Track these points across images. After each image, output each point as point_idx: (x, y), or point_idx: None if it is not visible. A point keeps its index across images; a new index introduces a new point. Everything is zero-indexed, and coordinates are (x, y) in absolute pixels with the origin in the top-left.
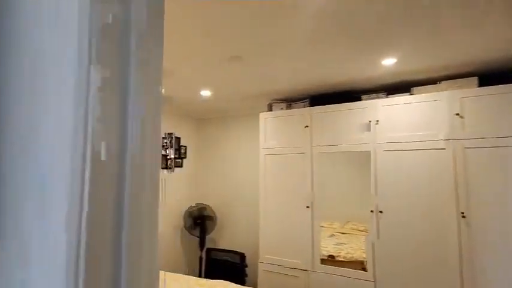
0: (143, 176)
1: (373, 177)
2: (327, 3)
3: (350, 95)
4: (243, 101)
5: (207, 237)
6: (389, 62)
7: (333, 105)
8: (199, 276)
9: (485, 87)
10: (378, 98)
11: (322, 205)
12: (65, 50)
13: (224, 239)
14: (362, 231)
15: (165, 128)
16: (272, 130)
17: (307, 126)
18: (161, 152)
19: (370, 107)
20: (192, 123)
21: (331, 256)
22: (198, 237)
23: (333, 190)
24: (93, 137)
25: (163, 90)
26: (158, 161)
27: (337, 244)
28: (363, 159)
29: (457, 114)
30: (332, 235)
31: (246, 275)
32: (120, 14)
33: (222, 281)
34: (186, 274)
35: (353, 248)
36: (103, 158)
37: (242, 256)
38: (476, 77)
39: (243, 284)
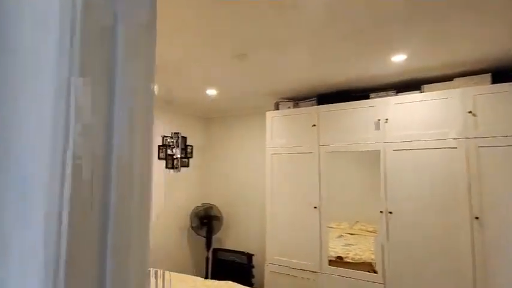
0: (131, 177)
1: (382, 177)
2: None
3: (358, 93)
4: (249, 100)
5: (214, 237)
6: (399, 58)
7: (340, 103)
8: (206, 277)
9: (498, 84)
10: (387, 96)
11: (330, 205)
12: (46, 48)
13: (230, 239)
14: (371, 232)
15: (172, 127)
16: (279, 129)
17: (314, 125)
18: (152, 153)
19: (379, 105)
20: (198, 122)
21: (340, 257)
22: (204, 237)
23: (341, 190)
24: (74, 136)
25: (156, 88)
26: (150, 161)
27: (346, 245)
28: (372, 158)
29: (470, 112)
30: (340, 236)
31: (253, 276)
32: (108, 14)
33: (229, 282)
34: (193, 275)
35: (361, 249)
36: (84, 158)
37: (249, 257)
38: (490, 74)
39: (249, 285)
